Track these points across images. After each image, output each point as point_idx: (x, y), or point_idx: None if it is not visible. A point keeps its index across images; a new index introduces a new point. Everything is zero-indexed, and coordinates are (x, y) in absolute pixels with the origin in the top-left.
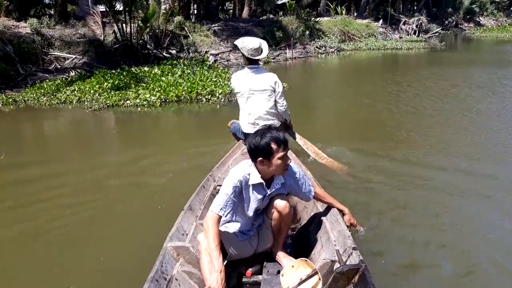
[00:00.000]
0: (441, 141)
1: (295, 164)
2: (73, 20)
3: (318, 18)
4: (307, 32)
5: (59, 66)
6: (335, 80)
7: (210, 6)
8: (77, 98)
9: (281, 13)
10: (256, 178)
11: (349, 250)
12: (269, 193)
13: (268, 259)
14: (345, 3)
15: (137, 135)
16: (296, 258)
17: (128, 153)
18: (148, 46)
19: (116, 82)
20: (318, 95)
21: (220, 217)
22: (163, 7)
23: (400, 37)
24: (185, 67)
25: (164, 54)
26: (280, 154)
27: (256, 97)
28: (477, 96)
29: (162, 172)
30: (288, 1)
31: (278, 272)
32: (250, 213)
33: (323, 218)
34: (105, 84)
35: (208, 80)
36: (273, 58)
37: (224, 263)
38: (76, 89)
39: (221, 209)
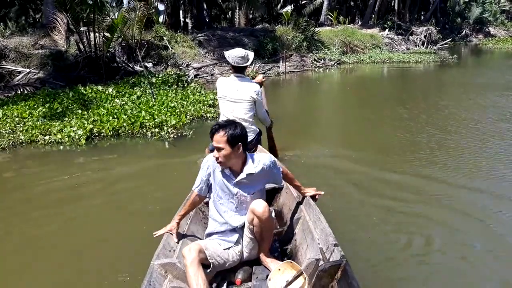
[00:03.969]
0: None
1: (269, 157)
2: (33, 28)
3: (318, 28)
4: (305, 43)
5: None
6: (329, 104)
7: (201, 14)
8: None
9: (278, 24)
10: None
11: (331, 247)
12: (235, 180)
13: (257, 264)
14: (350, 13)
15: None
16: (284, 260)
17: None
18: (118, 59)
19: (55, 107)
20: (305, 126)
21: (197, 194)
22: (135, 14)
23: (408, 49)
24: (149, 86)
25: (137, 67)
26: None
27: (238, 104)
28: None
29: None
30: (289, 10)
31: (267, 277)
32: (226, 201)
33: (307, 218)
34: (39, 109)
35: (167, 105)
36: (263, 73)
37: (213, 274)
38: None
39: (196, 186)
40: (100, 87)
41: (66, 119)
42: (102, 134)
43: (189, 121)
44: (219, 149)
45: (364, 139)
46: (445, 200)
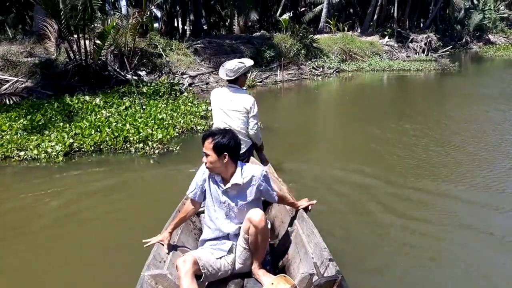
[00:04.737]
0: None
1: (261, 169)
2: (22, 36)
3: (316, 36)
4: (303, 51)
5: None
6: (326, 116)
7: (198, 21)
8: None
9: (277, 32)
10: None
11: (326, 262)
12: (224, 188)
13: (248, 276)
14: (349, 20)
15: None
16: (275, 274)
17: None
18: (110, 67)
19: (37, 119)
20: (301, 139)
21: (192, 200)
22: (130, 21)
23: (408, 56)
24: (137, 96)
25: (130, 76)
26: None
27: (231, 115)
28: None
29: None
30: (287, 17)
31: None
32: (218, 208)
33: (300, 232)
34: (20, 121)
35: (154, 117)
36: (260, 81)
37: (204, 285)
38: None
39: (191, 192)
40: (87, 97)
41: (47, 132)
42: (83, 149)
43: (177, 134)
44: (206, 155)
45: (361, 152)
46: (448, 216)
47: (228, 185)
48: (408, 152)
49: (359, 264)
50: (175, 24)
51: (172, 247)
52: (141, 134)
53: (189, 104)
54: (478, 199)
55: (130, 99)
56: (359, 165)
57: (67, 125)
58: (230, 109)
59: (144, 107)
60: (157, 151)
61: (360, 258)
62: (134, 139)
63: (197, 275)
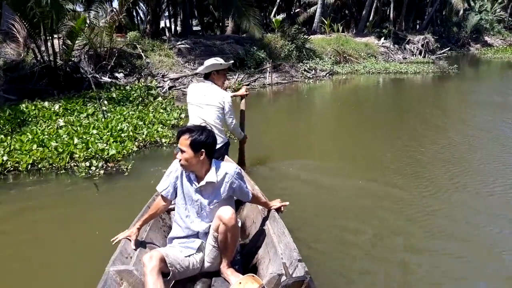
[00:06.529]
0: None
1: (235, 167)
2: None
3: (310, 36)
4: (295, 52)
5: None
6: (313, 125)
7: (187, 21)
8: None
9: (268, 32)
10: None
11: (295, 262)
12: (197, 186)
13: (216, 275)
14: (343, 20)
15: None
16: (245, 274)
17: None
18: (82, 70)
19: None
20: (282, 154)
21: (164, 198)
22: (103, 20)
23: (404, 58)
24: (99, 102)
25: (105, 78)
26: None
27: (206, 110)
28: None
29: None
30: (280, 18)
31: None
32: (189, 206)
33: (271, 232)
34: None
35: (112, 128)
36: (248, 84)
37: (171, 283)
38: None
39: (163, 189)
40: (46, 103)
41: None
42: (20, 169)
43: (137, 148)
44: (182, 151)
45: (351, 167)
46: (432, 219)
47: (202, 182)
48: (404, 167)
49: (329, 266)
50: (165, 25)
51: (139, 243)
52: (90, 150)
53: (161, 111)
54: (450, 203)
55: (95, 105)
56: (334, 173)
57: (9, 137)
58: (205, 103)
59: (109, 114)
60: (102, 171)
61: (330, 260)
62: (80, 156)
63: (164, 273)
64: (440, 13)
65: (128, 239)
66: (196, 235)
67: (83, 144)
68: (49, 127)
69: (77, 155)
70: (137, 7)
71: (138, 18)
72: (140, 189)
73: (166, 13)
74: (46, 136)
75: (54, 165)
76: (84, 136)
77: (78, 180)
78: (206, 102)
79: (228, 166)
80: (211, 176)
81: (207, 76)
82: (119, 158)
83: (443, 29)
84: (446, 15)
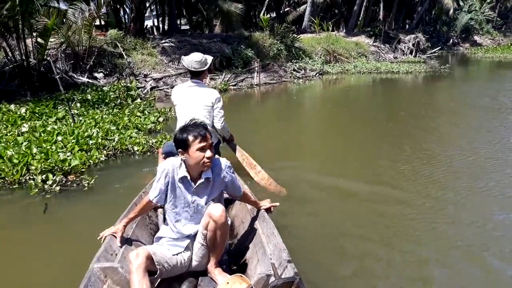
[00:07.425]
0: None
1: (225, 161)
2: None
3: (300, 35)
4: (284, 51)
5: None
6: (302, 128)
7: (172, 19)
8: None
9: (256, 31)
10: (182, 171)
11: (284, 263)
12: (194, 186)
13: (203, 274)
14: (333, 19)
15: None
16: (232, 274)
17: None
18: (57, 70)
19: None
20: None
21: (152, 201)
22: (81, 17)
23: (395, 57)
24: (68, 104)
25: (83, 78)
26: (197, 145)
27: (197, 110)
28: None
29: None
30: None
31: None
32: (181, 210)
33: (260, 232)
34: None
35: (78, 135)
36: (235, 85)
37: (157, 282)
38: None
39: (155, 196)
40: (12, 106)
41: None
42: None
43: (105, 158)
44: (210, 149)
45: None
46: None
47: (201, 180)
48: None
49: (319, 268)
50: (153, 23)
51: (125, 240)
52: (49, 160)
53: (138, 114)
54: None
55: (66, 108)
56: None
57: None
58: (196, 103)
59: (80, 118)
60: (57, 188)
61: (321, 261)
62: (37, 167)
63: (151, 271)
64: (430, 13)
65: (114, 235)
66: (187, 237)
67: (42, 154)
68: (10, 133)
69: (33, 167)
70: (124, 6)
71: (126, 16)
72: (98, 212)
73: (155, 12)
74: (3, 144)
75: (6, 179)
76: (45, 144)
77: (30, 197)
78: (198, 102)
79: (219, 161)
80: (207, 172)
81: (197, 74)
82: (82, 170)
83: (433, 28)
84: (436, 15)
